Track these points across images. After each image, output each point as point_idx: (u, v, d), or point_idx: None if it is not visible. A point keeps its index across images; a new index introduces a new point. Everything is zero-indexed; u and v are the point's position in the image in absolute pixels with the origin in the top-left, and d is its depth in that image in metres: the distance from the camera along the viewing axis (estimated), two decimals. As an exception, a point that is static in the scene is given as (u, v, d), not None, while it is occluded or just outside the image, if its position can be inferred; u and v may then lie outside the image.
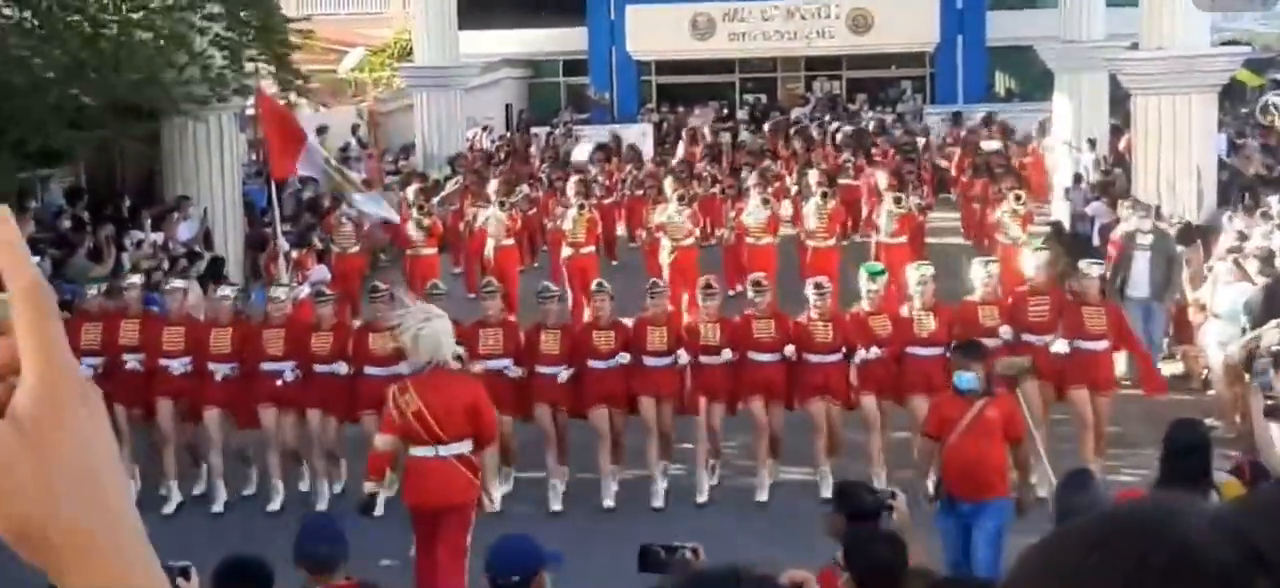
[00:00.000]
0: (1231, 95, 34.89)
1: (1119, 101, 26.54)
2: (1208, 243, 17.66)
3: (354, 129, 33.75)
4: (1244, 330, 14.85)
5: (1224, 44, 26.07)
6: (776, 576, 3.90)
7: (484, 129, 34.90)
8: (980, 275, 14.27)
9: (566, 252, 21.01)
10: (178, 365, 14.09)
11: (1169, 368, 16.81)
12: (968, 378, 10.51)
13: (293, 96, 23.66)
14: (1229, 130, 29.00)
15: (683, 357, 13.84)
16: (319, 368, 13.92)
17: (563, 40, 40.88)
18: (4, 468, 0.97)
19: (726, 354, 13.71)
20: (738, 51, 40.73)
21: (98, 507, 1.00)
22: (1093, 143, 28.17)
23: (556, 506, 13.61)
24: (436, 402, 10.63)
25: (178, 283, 15.44)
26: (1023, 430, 10.80)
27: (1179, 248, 17.46)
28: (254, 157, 28.19)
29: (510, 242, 21.78)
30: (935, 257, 20.03)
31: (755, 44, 40.42)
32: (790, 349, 13.51)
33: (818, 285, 14.10)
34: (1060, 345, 13.44)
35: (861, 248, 21.66)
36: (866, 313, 13.93)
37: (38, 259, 14.56)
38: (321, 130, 33.02)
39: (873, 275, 14.27)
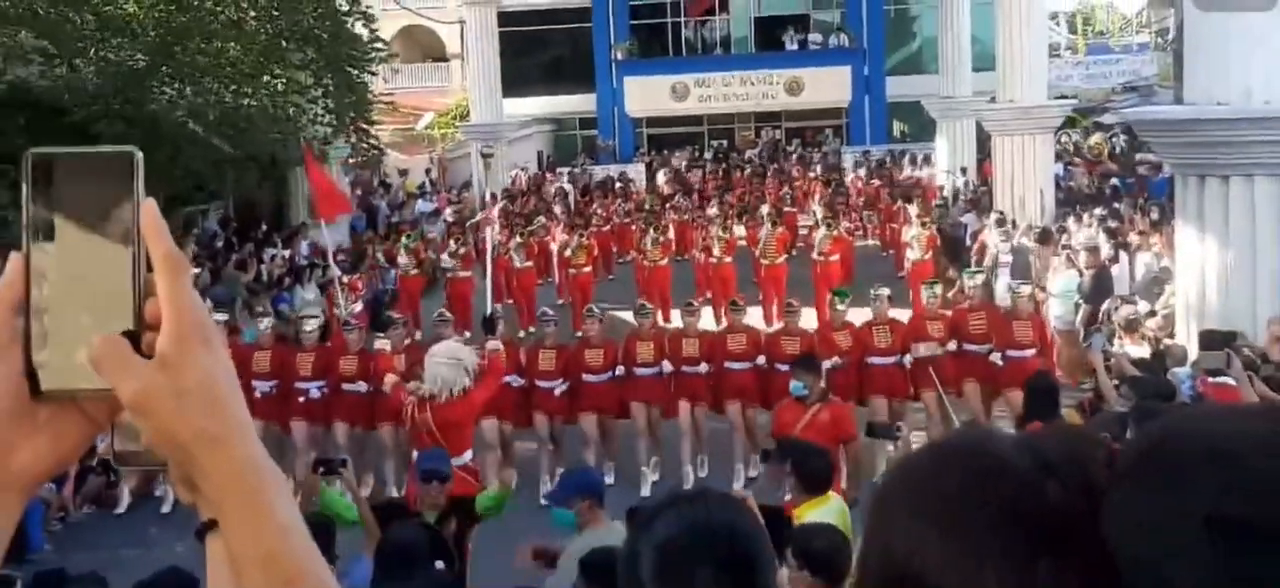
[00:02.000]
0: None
1: (983, 141, 26.58)
2: (1051, 243, 17.68)
3: (427, 171, 33.70)
4: (1077, 306, 14.85)
5: (1057, 97, 26.11)
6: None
7: (522, 169, 34.87)
8: (927, 295, 12.99)
9: (572, 271, 20.05)
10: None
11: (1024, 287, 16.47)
12: (798, 386, 9.28)
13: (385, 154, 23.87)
14: (1064, 160, 29.05)
15: (667, 367, 12.17)
16: (345, 387, 12.14)
17: (579, 103, 40.81)
18: (152, 394, 0.99)
19: (703, 367, 12.13)
20: (705, 109, 40.62)
21: (218, 416, 1.01)
22: (964, 170, 28.23)
23: (543, 497, 10.76)
24: (447, 423, 9.37)
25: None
26: (853, 431, 9.23)
27: (1036, 246, 17.45)
28: (356, 192, 28.23)
29: (529, 264, 20.39)
30: (862, 270, 19.90)
31: (718, 104, 40.34)
32: (762, 359, 12.07)
33: (788, 305, 12.97)
34: (996, 356, 11.94)
35: (802, 261, 20.28)
36: (831, 328, 12.67)
37: (197, 270, 14.46)
38: (403, 173, 33.13)
39: (841, 298, 12.80)
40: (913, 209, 21.45)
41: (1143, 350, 11.20)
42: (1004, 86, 21.08)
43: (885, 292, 12.69)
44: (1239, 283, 10.69)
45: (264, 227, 22.04)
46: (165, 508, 11.77)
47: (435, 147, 36.39)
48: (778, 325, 12.68)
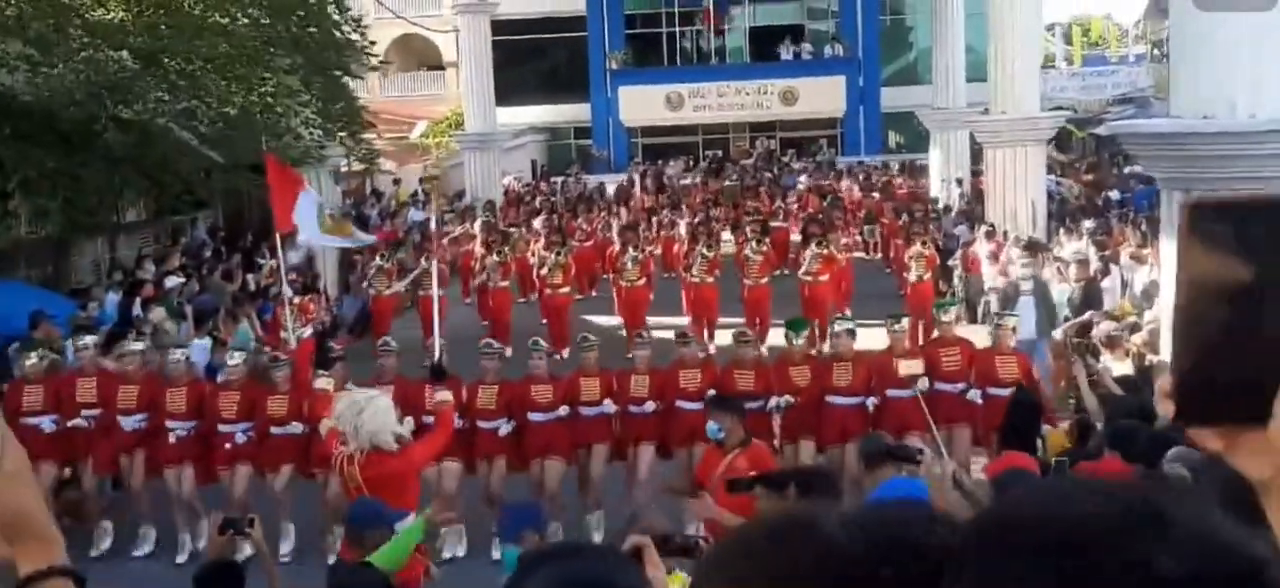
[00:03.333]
0: (1062, 146, 35.04)
1: (976, 151, 26.56)
2: (1041, 254, 17.61)
3: (421, 180, 33.66)
4: (1066, 318, 14.78)
5: (1053, 109, 26.09)
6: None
7: (515, 179, 34.85)
8: (893, 329, 11.23)
9: (548, 291, 18.36)
10: (131, 422, 11.03)
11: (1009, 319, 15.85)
12: (713, 428, 8.29)
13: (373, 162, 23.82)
14: (1056, 171, 29.07)
15: (610, 407, 10.86)
16: (275, 430, 10.80)
17: (573, 113, 40.88)
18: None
19: (650, 405, 10.83)
20: (700, 119, 40.70)
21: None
22: (960, 181, 28.20)
23: (496, 553, 10.01)
24: (375, 481, 7.72)
25: (134, 347, 11.70)
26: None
27: (1024, 256, 17.38)
28: (347, 201, 28.18)
29: (504, 283, 18.78)
30: (862, 287, 19.37)
31: (713, 113, 40.42)
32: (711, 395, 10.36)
33: (742, 334, 11.72)
34: (974, 394, 10.71)
35: (791, 281, 18.99)
36: (790, 362, 11.19)
37: (185, 280, 14.12)
38: (396, 182, 33.09)
39: (796, 330, 11.50)
40: (911, 227, 20.38)
41: (1125, 366, 11.14)
42: (996, 98, 21.06)
43: (846, 326, 11.30)
44: (1224, 298, 10.62)
45: (251, 237, 21.97)
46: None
47: (429, 156, 36.36)
48: (743, 351, 11.24)
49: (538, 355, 11.17)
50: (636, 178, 34.48)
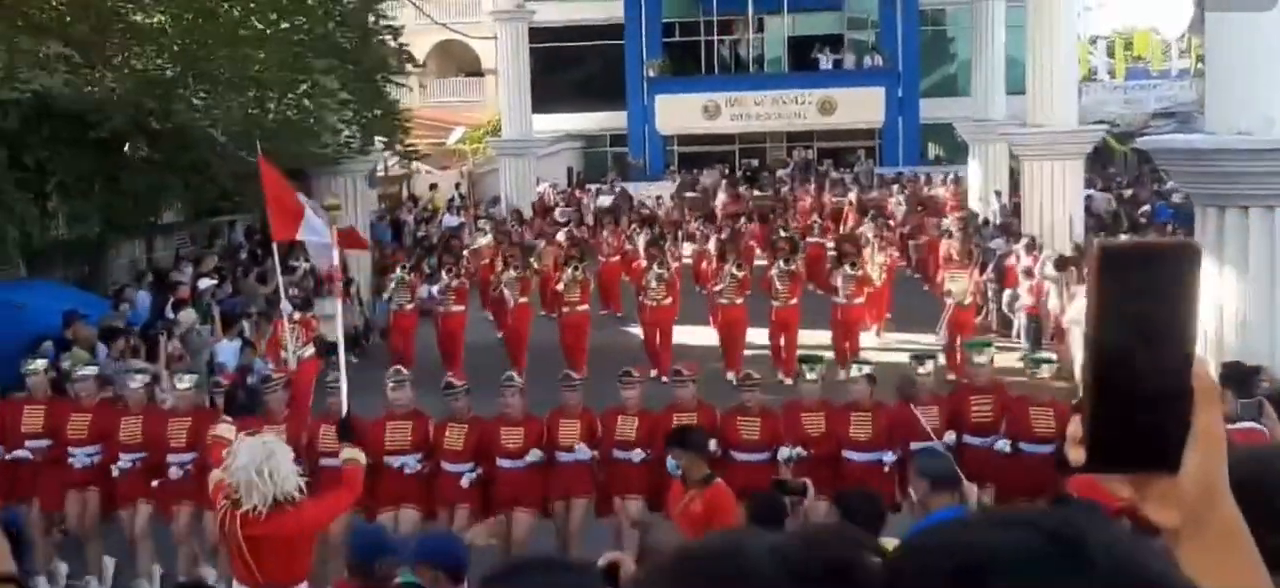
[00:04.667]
0: (1103, 159, 34.73)
1: (1016, 164, 26.35)
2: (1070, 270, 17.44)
3: (457, 186, 33.81)
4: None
5: (1094, 122, 25.87)
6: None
7: (551, 186, 34.92)
8: (919, 373, 9.85)
9: (565, 309, 17.26)
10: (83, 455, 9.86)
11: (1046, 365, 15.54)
12: (672, 465, 7.58)
13: (412, 164, 23.84)
14: (1097, 184, 28.81)
15: (583, 452, 9.41)
16: (171, 463, 9.49)
17: (609, 120, 40.92)
18: None
19: (638, 453, 9.39)
20: (737, 128, 40.63)
21: None
22: (998, 194, 28.01)
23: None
24: (265, 541, 6.40)
25: (88, 372, 10.43)
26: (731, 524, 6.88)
27: (1057, 272, 17.25)
28: (382, 204, 28.34)
29: (524, 299, 17.66)
30: (900, 303, 18.88)
31: (750, 123, 40.33)
32: (712, 444, 8.84)
33: (747, 377, 9.98)
34: (1002, 444, 9.18)
35: (823, 301, 17.80)
36: (801, 408, 9.65)
37: (219, 281, 13.88)
38: (433, 187, 33.26)
39: (811, 367, 9.90)
40: (954, 244, 19.10)
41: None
42: (1034, 111, 20.88)
43: (864, 370, 9.80)
44: (1258, 316, 10.50)
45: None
46: None
47: (466, 161, 36.53)
48: (748, 396, 9.69)
49: (510, 390, 9.68)
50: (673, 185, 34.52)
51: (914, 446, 8.83)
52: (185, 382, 9.99)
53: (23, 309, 13.69)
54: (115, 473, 9.73)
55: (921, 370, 9.89)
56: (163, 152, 16.45)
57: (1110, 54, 43.48)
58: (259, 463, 6.25)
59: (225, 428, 7.87)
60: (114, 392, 10.70)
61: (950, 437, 9.14)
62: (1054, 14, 20.38)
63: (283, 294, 12.89)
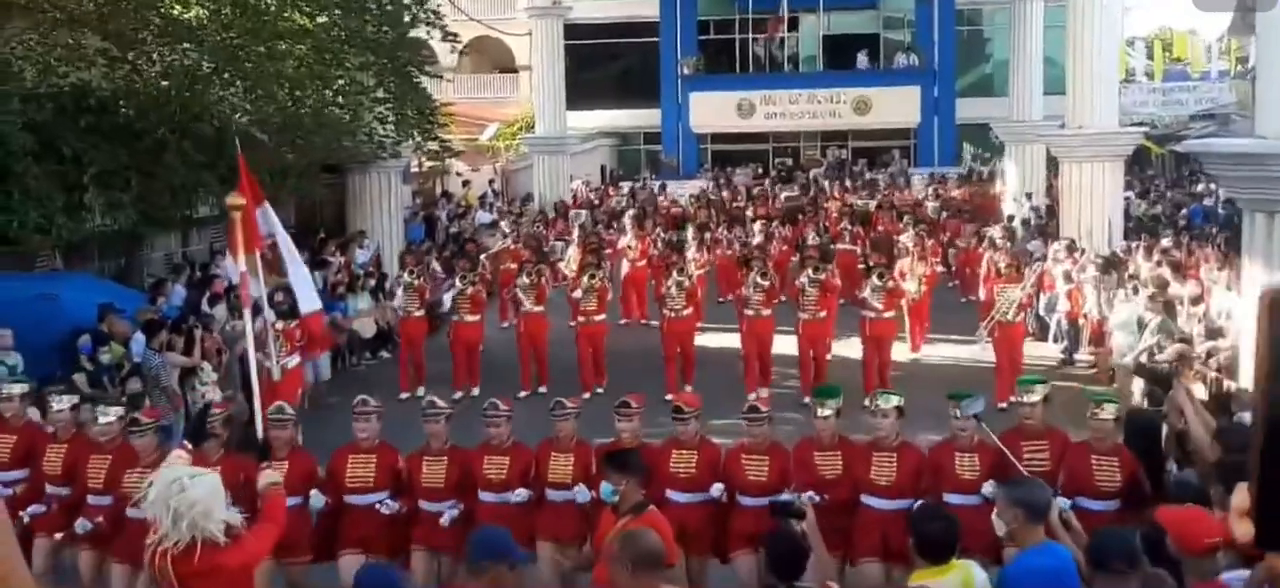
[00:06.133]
0: (1140, 161, 34.34)
1: (1052, 165, 26.04)
2: (1114, 273, 17.16)
3: (490, 182, 33.79)
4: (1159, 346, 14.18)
5: (1132, 124, 25.55)
6: None
7: (584, 183, 34.83)
8: (955, 417, 7.90)
9: (581, 319, 16.13)
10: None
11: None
12: (608, 490, 6.59)
13: (445, 160, 23.71)
14: (1135, 187, 28.48)
15: (579, 492, 8.08)
16: (132, 513, 7.58)
17: (643, 118, 40.83)
18: None
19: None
20: (771, 127, 40.43)
21: None
22: (1029, 196, 27.76)
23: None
24: (198, 580, 5.40)
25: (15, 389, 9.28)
26: (674, 558, 6.23)
27: (1098, 274, 16.97)
28: (417, 200, 28.32)
29: (539, 308, 16.12)
30: (938, 312, 18.13)
31: (784, 121, 40.12)
32: (717, 488, 8.07)
33: (753, 410, 8.32)
34: (1061, 502, 7.00)
35: (854, 314, 16.33)
36: (815, 446, 8.15)
37: None
38: (466, 183, 33.22)
39: (824, 399, 8.29)
40: (1001, 256, 17.07)
41: (1200, 391, 10.74)
42: (1073, 112, 20.60)
43: (892, 401, 8.08)
44: (1308, 324, 10.25)
45: (322, 234, 22.09)
46: None
47: (499, 158, 36.50)
48: (756, 431, 8.25)
49: (495, 418, 8.50)
50: (707, 183, 34.31)
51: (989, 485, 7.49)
52: (108, 415, 8.67)
53: (55, 300, 13.69)
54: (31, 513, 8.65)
55: (959, 413, 7.91)
56: (198, 145, 16.42)
57: (1149, 55, 42.97)
58: (168, 497, 5.43)
59: (178, 455, 6.31)
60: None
61: (988, 489, 7.46)
62: (1096, 14, 20.10)
63: (266, 302, 10.93)
